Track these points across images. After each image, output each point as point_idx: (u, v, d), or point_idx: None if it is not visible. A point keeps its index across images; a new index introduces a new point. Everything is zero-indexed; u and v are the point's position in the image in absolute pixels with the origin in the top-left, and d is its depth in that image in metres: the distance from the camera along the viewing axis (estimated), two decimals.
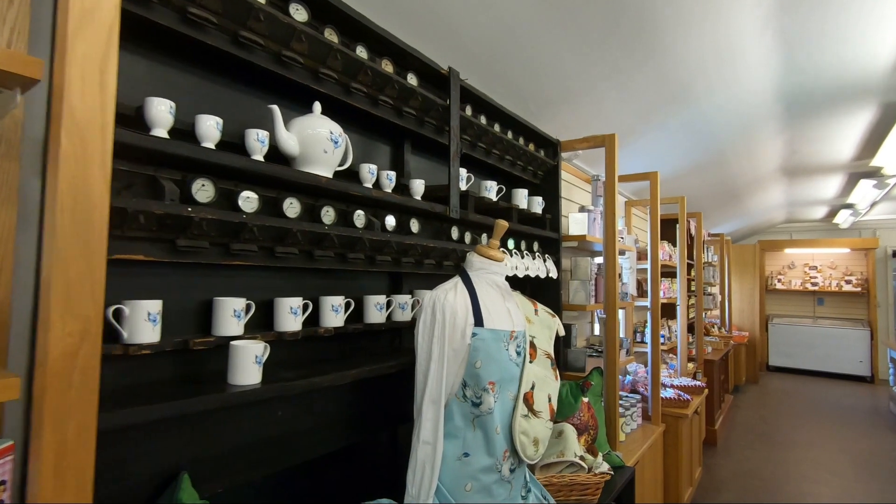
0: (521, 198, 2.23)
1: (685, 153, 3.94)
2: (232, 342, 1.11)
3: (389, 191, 1.53)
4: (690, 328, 5.40)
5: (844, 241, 8.52)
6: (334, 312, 1.41)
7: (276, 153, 1.22)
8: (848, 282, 8.75)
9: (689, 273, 5.25)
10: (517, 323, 1.46)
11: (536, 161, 2.40)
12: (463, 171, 1.86)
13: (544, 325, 1.62)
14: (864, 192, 5.76)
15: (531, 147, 2.39)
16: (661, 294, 4.19)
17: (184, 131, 1.08)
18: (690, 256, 5.20)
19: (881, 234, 8.43)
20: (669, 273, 5.21)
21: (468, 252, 1.51)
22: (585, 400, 2.23)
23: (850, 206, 7.19)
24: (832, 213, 8.13)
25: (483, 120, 2.03)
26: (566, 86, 2.59)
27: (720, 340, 5.88)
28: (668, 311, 5.15)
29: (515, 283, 2.47)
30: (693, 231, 5.16)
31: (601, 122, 2.93)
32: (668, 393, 3.40)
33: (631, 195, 4.48)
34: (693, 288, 5.00)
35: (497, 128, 2.12)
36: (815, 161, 4.89)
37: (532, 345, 1.49)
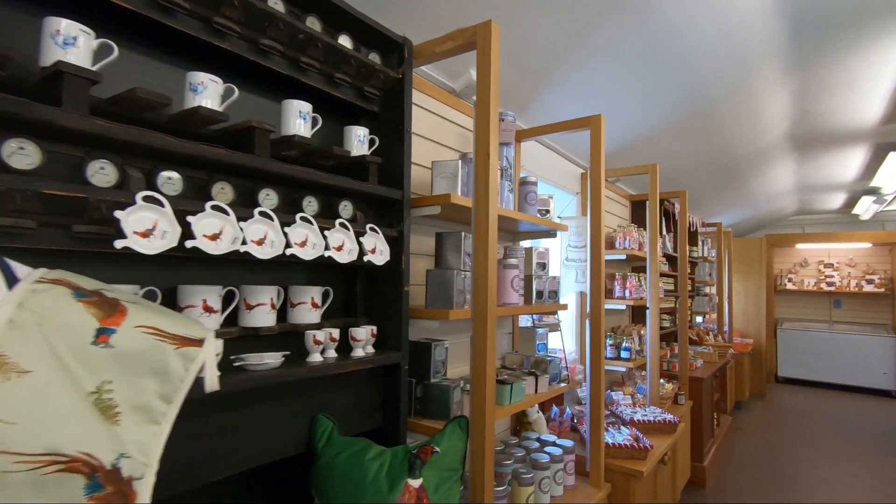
0: (293, 116, 1.23)
1: (654, 98, 2.91)
2: None
3: None
4: (672, 337, 4.36)
5: (866, 234, 7.39)
6: None
7: None
8: (869, 281, 7.62)
9: (674, 268, 4.21)
10: None
11: (354, 66, 1.40)
12: (81, 34, 0.87)
13: (122, 369, 0.62)
14: (894, 169, 4.67)
15: (345, 43, 1.40)
16: (627, 294, 3.19)
17: None
18: (678, 248, 4.16)
19: None
20: (643, 267, 4.21)
21: None
22: (415, 483, 1.23)
23: (873, 192, 6.08)
24: (851, 202, 7.01)
25: None
26: None
27: (715, 351, 4.82)
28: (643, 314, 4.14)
29: (334, 273, 1.49)
30: (677, 214, 4.13)
31: (513, 44, 1.93)
32: (622, 436, 2.38)
33: (587, 163, 3.46)
34: (679, 287, 3.96)
35: None
36: (832, 124, 3.83)
37: None
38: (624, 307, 3.21)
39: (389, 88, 1.54)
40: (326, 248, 1.23)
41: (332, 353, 1.35)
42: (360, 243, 1.33)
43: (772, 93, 3.16)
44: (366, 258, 1.34)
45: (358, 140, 1.42)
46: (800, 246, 8.18)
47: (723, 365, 5.07)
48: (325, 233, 1.24)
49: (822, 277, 8.01)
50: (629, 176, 3.63)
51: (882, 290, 7.45)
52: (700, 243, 5.80)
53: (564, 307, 2.24)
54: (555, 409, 2.60)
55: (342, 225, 1.30)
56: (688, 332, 3.91)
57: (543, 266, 2.21)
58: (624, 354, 3.20)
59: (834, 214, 8.02)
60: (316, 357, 1.28)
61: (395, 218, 1.51)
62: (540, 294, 2.13)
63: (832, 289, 7.84)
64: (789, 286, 8.17)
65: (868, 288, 7.57)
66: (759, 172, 5.06)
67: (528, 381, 1.98)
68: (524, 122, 2.60)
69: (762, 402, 6.71)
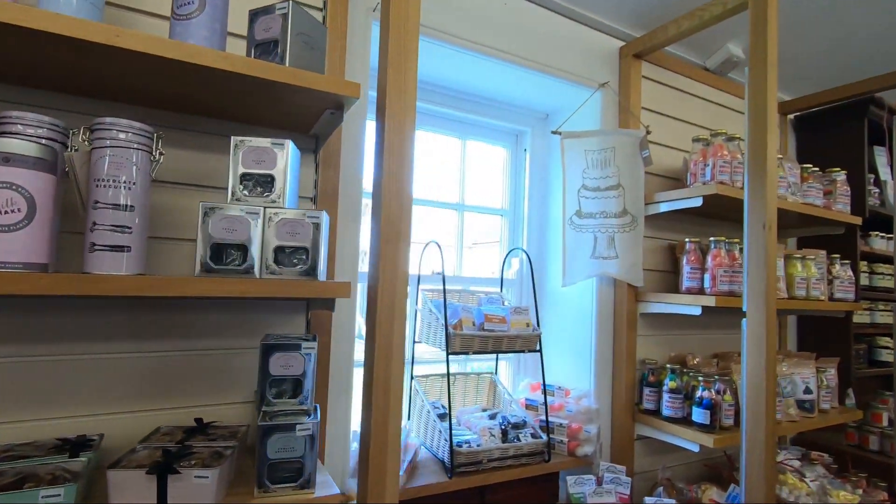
0: None
1: None
2: None
3: None
4: (886, 384, 2.19)
5: None
6: None
7: None
8: None
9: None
10: None
11: None
12: None
13: None
14: None
15: None
16: (708, 281, 1.52)
17: None
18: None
19: None
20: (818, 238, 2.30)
21: None
22: None
23: None
24: None
25: None
26: None
27: None
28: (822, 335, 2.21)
29: None
30: None
31: None
32: None
33: (630, 27, 1.75)
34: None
35: None
36: None
37: None
38: (699, 311, 1.46)
39: None
40: None
41: None
42: None
43: None
44: None
45: None
46: None
47: None
48: None
49: None
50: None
51: None
52: None
53: (328, 290, 0.83)
54: None
55: None
56: None
57: (266, 185, 0.86)
58: (698, 417, 1.45)
59: None
60: None
61: None
62: (240, 251, 0.79)
63: None
64: None
65: None
66: None
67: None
68: None
69: None
